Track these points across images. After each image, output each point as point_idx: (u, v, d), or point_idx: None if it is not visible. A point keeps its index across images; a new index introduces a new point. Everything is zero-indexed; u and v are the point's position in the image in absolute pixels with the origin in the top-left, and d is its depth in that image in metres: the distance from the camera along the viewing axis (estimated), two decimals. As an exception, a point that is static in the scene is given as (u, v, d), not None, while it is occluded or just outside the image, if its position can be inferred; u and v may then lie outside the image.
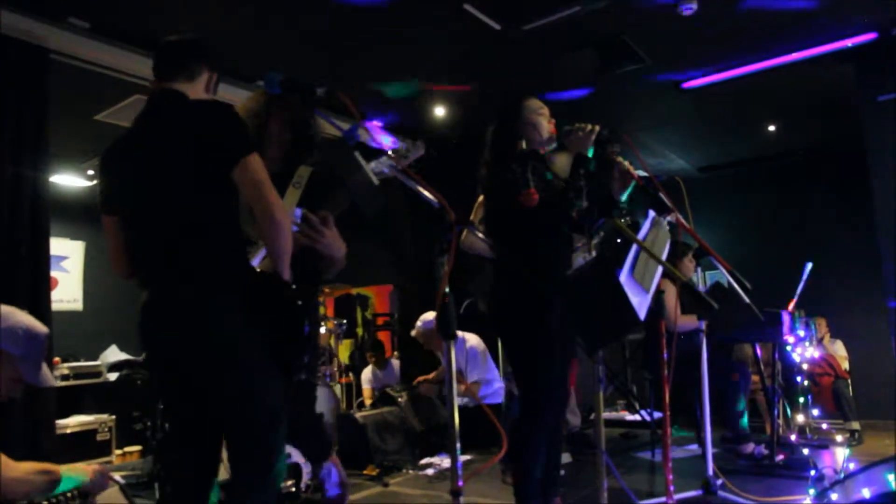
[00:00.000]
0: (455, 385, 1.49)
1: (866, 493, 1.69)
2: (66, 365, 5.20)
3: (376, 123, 1.89)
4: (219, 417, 1.75)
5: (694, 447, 4.26)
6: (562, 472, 3.39)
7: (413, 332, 4.89)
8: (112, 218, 1.84)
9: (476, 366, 4.79)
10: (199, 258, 1.70)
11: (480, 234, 2.56)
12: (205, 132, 1.70)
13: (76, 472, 1.87)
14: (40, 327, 1.84)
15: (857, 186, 5.06)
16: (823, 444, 4.53)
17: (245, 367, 1.68)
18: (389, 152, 1.82)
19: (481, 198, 3.67)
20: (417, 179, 1.68)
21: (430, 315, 4.75)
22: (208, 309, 1.67)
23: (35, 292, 3.13)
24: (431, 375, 5.02)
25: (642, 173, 2.48)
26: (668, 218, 2.44)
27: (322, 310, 5.11)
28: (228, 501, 1.76)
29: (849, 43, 4.11)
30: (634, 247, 2.15)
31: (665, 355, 2.55)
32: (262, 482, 1.69)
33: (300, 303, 1.74)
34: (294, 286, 1.74)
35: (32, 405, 3.03)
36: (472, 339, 4.86)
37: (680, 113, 5.31)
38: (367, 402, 5.72)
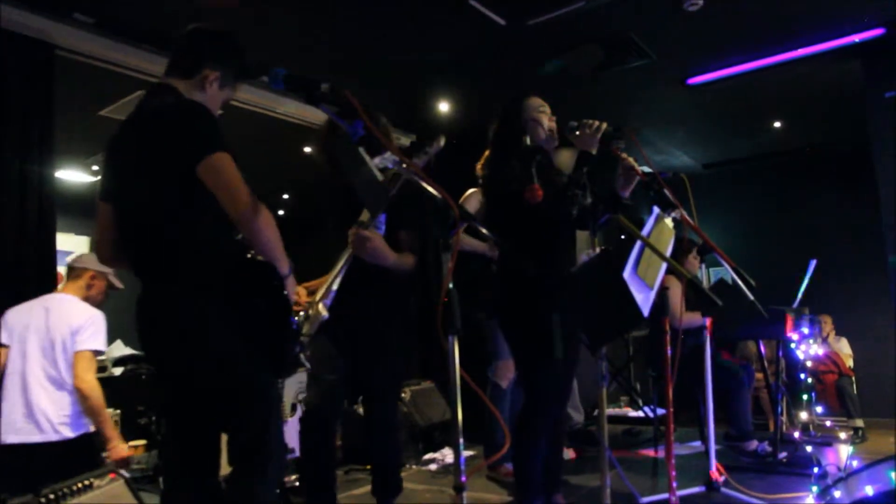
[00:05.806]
0: (458, 380, 1.49)
1: (869, 491, 1.68)
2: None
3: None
4: (212, 415, 1.75)
5: (697, 444, 4.25)
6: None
7: None
8: (106, 205, 1.85)
9: None
10: (180, 256, 1.69)
11: (484, 230, 2.55)
12: (171, 130, 1.67)
13: None
14: None
15: (862, 183, 5.04)
16: (827, 441, 4.52)
17: (232, 365, 1.68)
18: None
19: (468, 192, 3.67)
20: (421, 175, 1.68)
21: None
22: (192, 309, 1.66)
23: (42, 288, 3.14)
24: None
25: (647, 170, 2.48)
26: (673, 214, 2.44)
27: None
28: (229, 498, 1.76)
29: (856, 39, 4.08)
30: (638, 243, 2.15)
31: (669, 352, 2.54)
32: (261, 478, 1.69)
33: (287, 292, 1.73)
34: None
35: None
36: None
37: (685, 109, 5.29)
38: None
